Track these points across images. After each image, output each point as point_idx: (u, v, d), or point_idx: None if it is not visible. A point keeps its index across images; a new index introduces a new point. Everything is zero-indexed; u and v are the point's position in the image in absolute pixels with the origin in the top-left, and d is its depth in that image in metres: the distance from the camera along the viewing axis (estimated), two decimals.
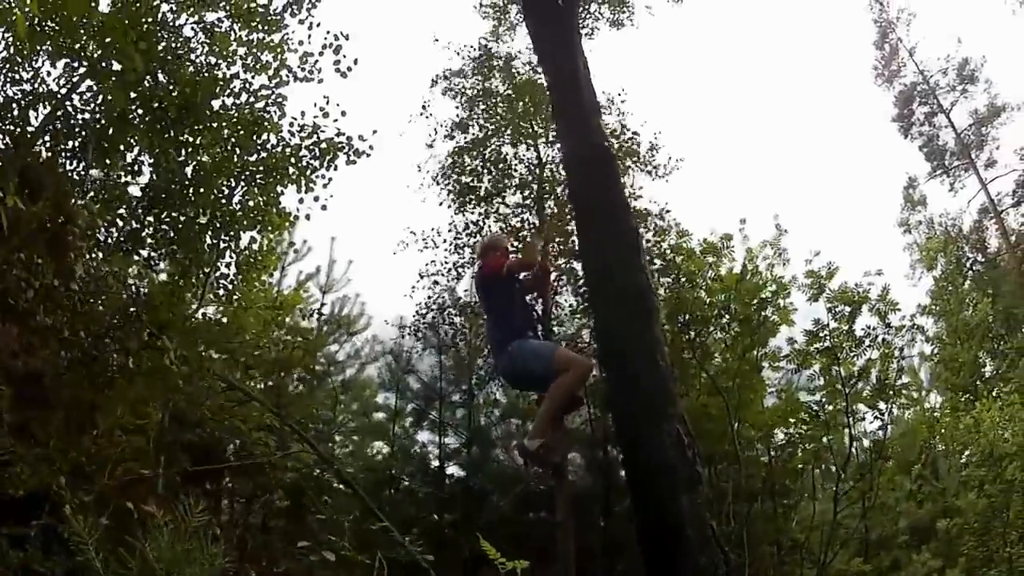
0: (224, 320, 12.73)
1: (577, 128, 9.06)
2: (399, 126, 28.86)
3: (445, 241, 20.49)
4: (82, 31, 11.79)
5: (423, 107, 21.71)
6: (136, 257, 12.72)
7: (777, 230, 16.83)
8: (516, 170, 20.67)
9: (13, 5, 10.65)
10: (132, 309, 10.21)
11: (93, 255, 10.43)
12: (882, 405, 16.30)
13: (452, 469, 16.88)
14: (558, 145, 20.22)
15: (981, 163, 30.80)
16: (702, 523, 6.60)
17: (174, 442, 10.86)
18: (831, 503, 15.84)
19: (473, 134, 21.07)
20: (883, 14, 34.40)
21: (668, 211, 18.62)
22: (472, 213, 20.64)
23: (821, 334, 16.26)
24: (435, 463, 16.76)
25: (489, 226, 20.15)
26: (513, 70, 21.30)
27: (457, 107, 21.70)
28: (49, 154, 11.58)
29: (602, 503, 16.19)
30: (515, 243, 15.56)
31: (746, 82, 57.39)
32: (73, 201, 9.93)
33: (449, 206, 20.93)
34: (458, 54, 21.95)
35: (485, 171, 20.73)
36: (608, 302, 7.97)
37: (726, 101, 56.28)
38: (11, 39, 11.57)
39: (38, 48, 11.71)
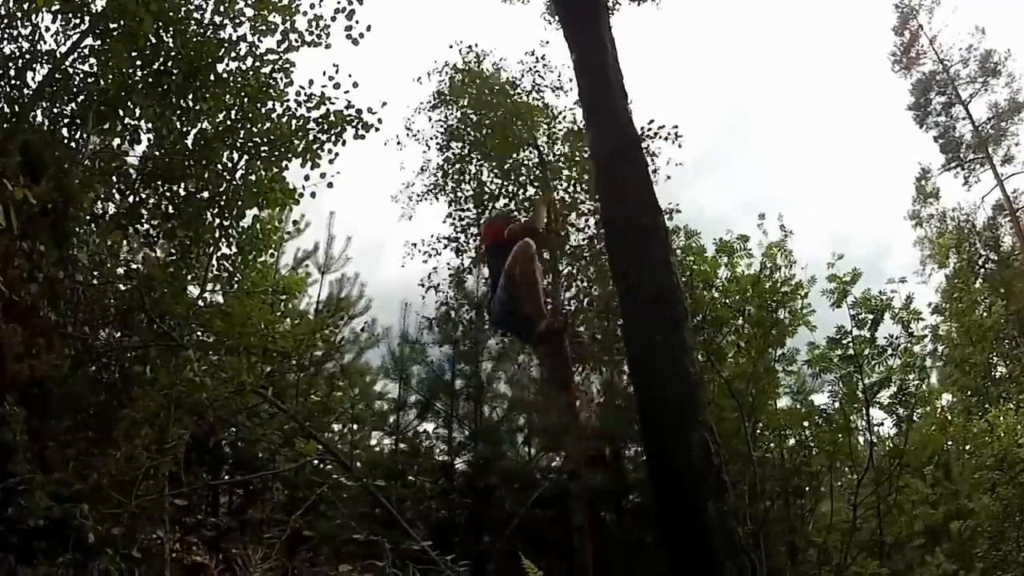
0: (229, 309, 11.74)
1: (606, 117, 8.50)
2: (401, 96, 27.42)
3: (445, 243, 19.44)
4: None
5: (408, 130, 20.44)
6: (133, 231, 11.74)
7: (782, 231, 16.17)
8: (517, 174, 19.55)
9: None
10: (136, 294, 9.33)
11: (93, 236, 9.52)
12: (901, 411, 15.93)
13: (460, 464, 16.12)
14: (558, 145, 19.61)
15: (998, 158, 30.04)
16: (728, 531, 6.54)
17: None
18: (845, 504, 15.53)
19: (468, 142, 19.87)
20: None
21: (678, 210, 17.64)
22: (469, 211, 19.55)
23: (844, 341, 15.78)
24: (443, 457, 15.99)
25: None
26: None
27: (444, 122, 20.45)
28: (46, 120, 10.59)
29: (615, 502, 15.63)
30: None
31: (753, 67, 56.46)
32: (74, 174, 9.03)
33: (449, 215, 19.84)
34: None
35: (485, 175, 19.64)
36: (637, 306, 7.60)
37: (734, 85, 55.37)
38: None
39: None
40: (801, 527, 16.28)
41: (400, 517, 10.18)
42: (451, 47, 21.41)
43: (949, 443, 18.91)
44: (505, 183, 19.39)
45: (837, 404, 16.28)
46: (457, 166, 19.84)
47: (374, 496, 10.82)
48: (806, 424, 16.28)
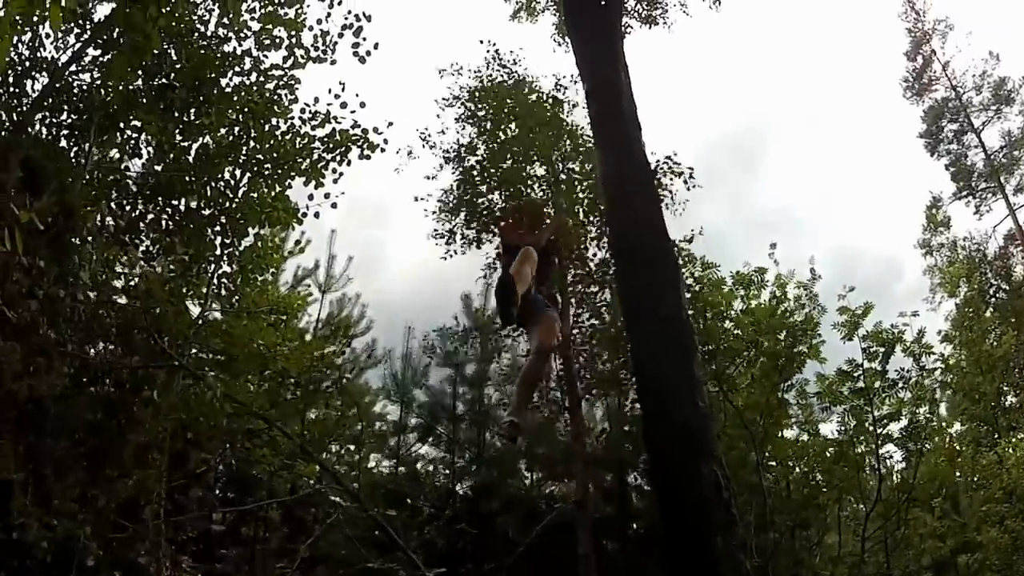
0: (230, 329, 11.52)
1: (617, 144, 8.37)
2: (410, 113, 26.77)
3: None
4: None
5: (424, 139, 19.80)
6: (133, 246, 11.51)
7: (812, 274, 15.98)
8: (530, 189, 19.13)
9: None
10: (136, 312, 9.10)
11: (93, 252, 9.28)
12: (911, 444, 15.69)
13: (461, 488, 15.82)
14: (571, 163, 19.29)
15: (1010, 187, 29.48)
16: (737, 564, 6.43)
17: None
18: (853, 537, 15.28)
19: (481, 154, 19.39)
20: (918, 24, 32.67)
21: (691, 239, 17.28)
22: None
23: (854, 374, 15.56)
24: (443, 480, 15.70)
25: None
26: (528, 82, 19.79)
27: (460, 130, 19.85)
28: (46, 131, 10.37)
29: (619, 530, 15.35)
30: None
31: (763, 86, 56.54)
32: (76, 189, 8.80)
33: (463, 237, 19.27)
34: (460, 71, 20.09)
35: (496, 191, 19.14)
36: (646, 337, 7.47)
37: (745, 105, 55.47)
38: None
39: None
40: (808, 559, 16.01)
41: (403, 543, 9.95)
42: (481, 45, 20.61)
43: (958, 474, 18.64)
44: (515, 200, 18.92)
45: (847, 436, 16.01)
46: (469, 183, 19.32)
47: (377, 522, 10.56)
48: (815, 456, 15.98)
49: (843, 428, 16.43)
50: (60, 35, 10.85)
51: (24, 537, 6.36)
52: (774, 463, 16.32)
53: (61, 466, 7.23)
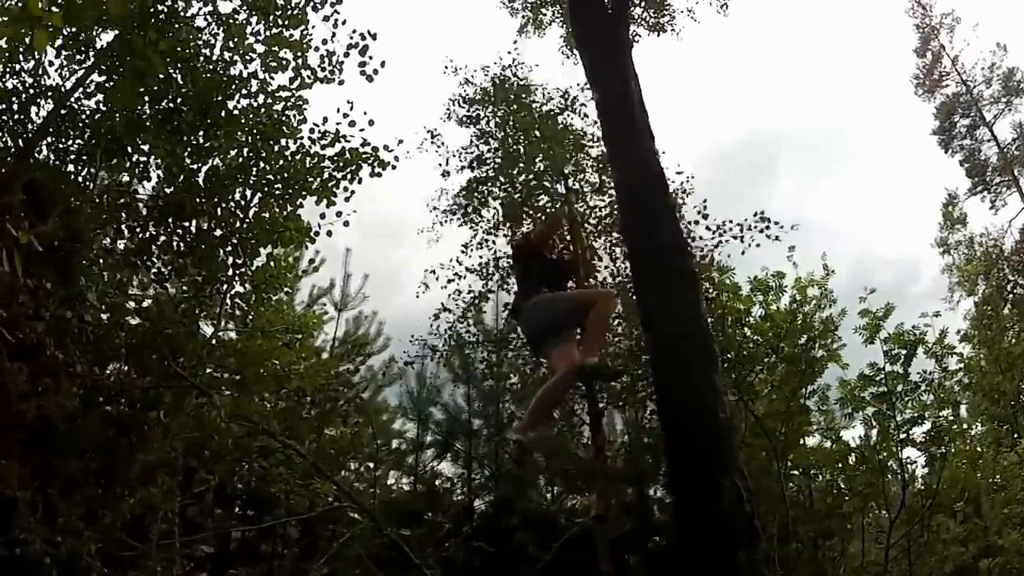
0: (243, 348, 11.58)
1: (630, 155, 8.47)
2: (415, 127, 26.84)
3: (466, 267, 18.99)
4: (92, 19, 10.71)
5: (432, 135, 19.65)
6: (144, 268, 11.61)
7: (825, 270, 15.81)
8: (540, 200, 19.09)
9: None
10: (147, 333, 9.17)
11: (102, 274, 9.37)
12: (934, 449, 15.46)
13: (479, 503, 15.70)
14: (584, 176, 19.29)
15: None
16: None
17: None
18: (876, 545, 15.06)
19: (492, 164, 19.43)
20: (926, 19, 32.64)
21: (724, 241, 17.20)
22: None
23: (877, 378, 15.37)
24: (460, 497, 15.60)
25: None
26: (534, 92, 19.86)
27: (472, 138, 19.83)
28: (52, 157, 10.48)
29: (640, 545, 15.17)
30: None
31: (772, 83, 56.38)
32: (82, 212, 8.89)
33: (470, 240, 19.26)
34: (470, 81, 20.12)
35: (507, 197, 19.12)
36: (664, 347, 7.51)
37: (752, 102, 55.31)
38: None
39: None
40: (832, 571, 15.80)
41: (420, 561, 9.94)
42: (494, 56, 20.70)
43: (979, 477, 18.35)
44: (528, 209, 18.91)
45: (870, 442, 15.79)
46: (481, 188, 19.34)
47: (392, 540, 10.57)
48: (839, 464, 15.77)
49: (866, 434, 16.16)
50: (64, 63, 11.00)
51: (28, 554, 6.39)
52: (797, 472, 16.08)
53: (69, 484, 7.27)
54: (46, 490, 6.99)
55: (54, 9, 8.44)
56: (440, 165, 19.45)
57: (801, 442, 15.98)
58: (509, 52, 20.18)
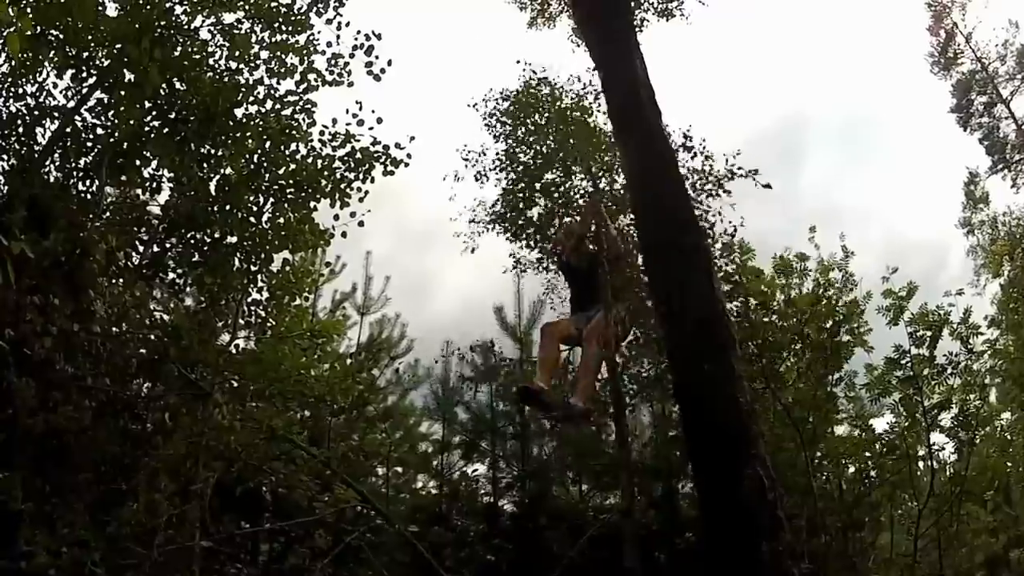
0: (261, 354, 11.55)
1: (638, 135, 8.35)
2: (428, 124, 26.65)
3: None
4: (90, 37, 10.79)
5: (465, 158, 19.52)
6: (158, 280, 11.64)
7: (844, 252, 15.44)
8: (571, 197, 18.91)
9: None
10: (161, 345, 9.15)
11: (113, 283, 9.34)
12: (963, 434, 15.07)
13: (506, 504, 15.60)
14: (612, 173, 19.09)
15: None
16: (784, 571, 6.21)
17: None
18: (906, 536, 14.72)
19: (523, 163, 19.18)
20: None
21: (734, 230, 17.10)
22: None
23: (902, 361, 15.01)
24: (487, 498, 15.51)
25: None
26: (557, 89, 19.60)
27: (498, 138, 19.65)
28: (59, 175, 10.50)
29: (668, 542, 15.00)
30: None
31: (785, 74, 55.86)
32: (88, 226, 8.86)
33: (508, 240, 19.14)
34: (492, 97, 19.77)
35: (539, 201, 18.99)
36: (681, 334, 7.38)
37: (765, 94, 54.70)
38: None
39: (41, 59, 10.62)
40: (861, 563, 15.46)
41: (440, 565, 9.88)
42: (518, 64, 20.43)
43: (1008, 465, 17.89)
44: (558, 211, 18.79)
45: (899, 429, 15.40)
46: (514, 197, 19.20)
47: (412, 544, 10.53)
48: (868, 453, 15.40)
49: (895, 420, 15.75)
50: (67, 82, 11.04)
51: (31, 567, 6.37)
52: (826, 462, 15.72)
53: (75, 494, 7.27)
54: (52, 502, 6.99)
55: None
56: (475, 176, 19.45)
57: (830, 431, 15.56)
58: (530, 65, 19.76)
